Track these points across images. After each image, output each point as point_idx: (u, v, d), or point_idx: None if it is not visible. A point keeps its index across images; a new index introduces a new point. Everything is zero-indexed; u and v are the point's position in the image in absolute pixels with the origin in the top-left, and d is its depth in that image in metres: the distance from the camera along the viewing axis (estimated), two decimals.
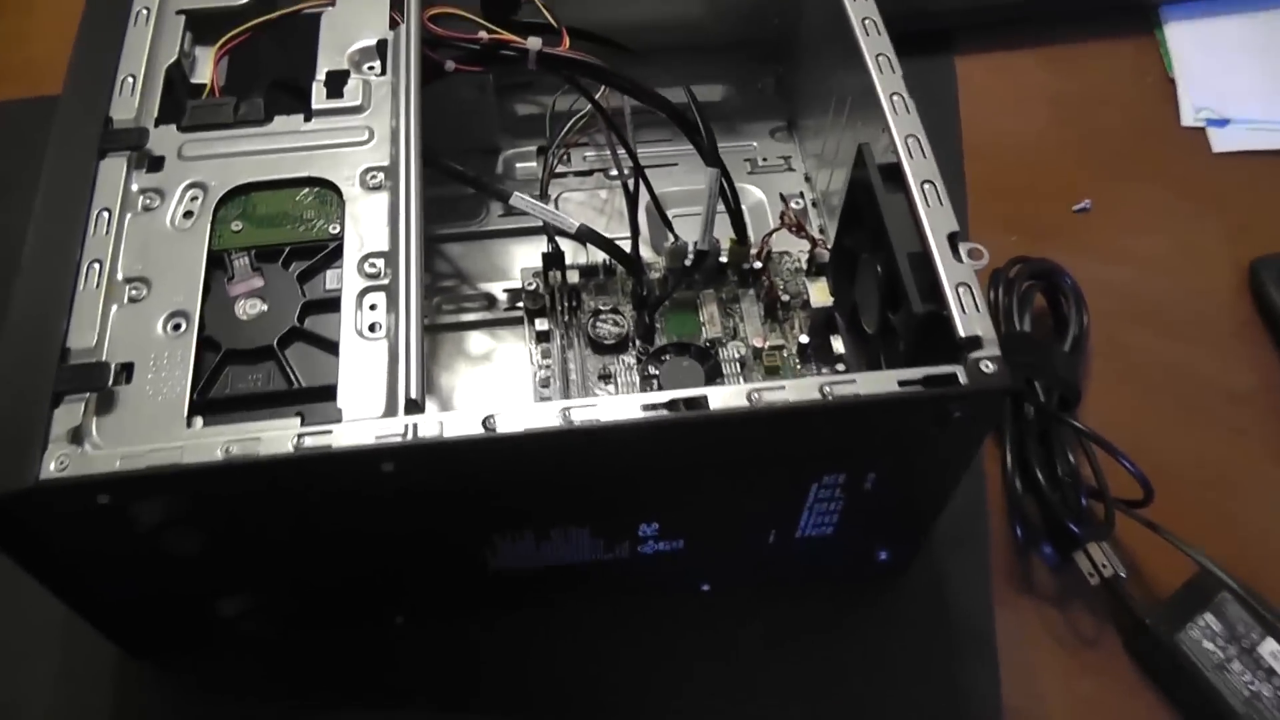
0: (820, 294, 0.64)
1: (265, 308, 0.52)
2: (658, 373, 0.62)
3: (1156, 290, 0.73)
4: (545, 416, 0.46)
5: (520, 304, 0.66)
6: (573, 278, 0.66)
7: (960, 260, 0.51)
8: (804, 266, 0.67)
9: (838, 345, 0.64)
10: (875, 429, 0.50)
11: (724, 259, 0.67)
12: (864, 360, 0.60)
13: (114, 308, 0.50)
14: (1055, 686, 0.59)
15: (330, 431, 0.46)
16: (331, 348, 0.50)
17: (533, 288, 0.66)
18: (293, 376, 0.50)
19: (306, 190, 0.55)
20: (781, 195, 0.72)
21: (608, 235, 0.67)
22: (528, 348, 0.65)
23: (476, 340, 0.67)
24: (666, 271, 0.67)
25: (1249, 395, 0.69)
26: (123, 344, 0.49)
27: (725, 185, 0.64)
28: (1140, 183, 0.79)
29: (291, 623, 0.60)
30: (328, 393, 0.48)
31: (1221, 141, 0.82)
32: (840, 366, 0.63)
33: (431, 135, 0.56)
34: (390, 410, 0.47)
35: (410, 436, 0.45)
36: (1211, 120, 0.83)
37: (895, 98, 0.56)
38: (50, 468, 0.45)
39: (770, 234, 0.67)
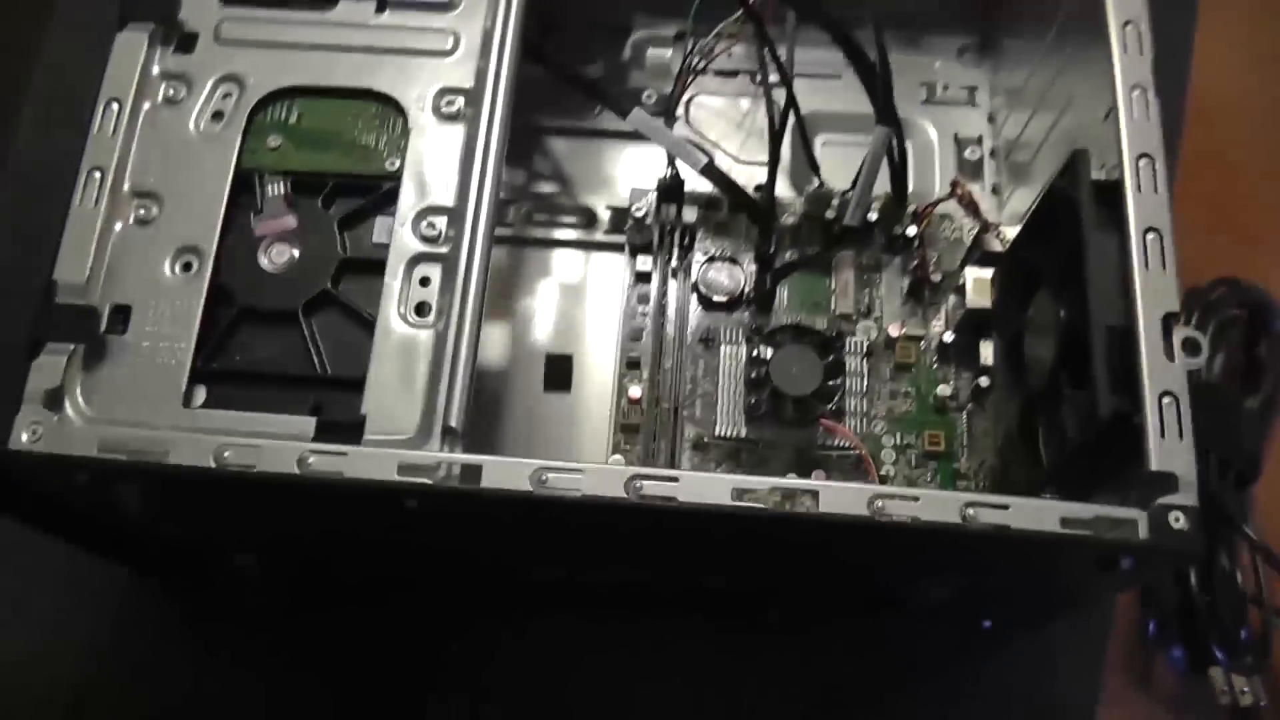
0: (980, 291, 0.52)
1: (296, 255, 0.42)
2: (766, 361, 0.51)
3: None
4: (610, 484, 0.37)
5: (624, 231, 0.55)
6: (689, 215, 0.54)
7: (1172, 357, 0.39)
8: (966, 242, 0.55)
9: (986, 353, 0.52)
10: (1022, 561, 0.40)
11: (873, 216, 0.54)
12: (1015, 402, 0.48)
13: (117, 226, 0.42)
14: None
15: (345, 454, 0.37)
16: (367, 326, 0.40)
17: (641, 214, 0.54)
18: (317, 358, 0.41)
19: (366, 106, 0.44)
20: (957, 138, 0.59)
21: (744, 158, 0.57)
22: (623, 285, 0.54)
23: (567, 261, 0.57)
24: (802, 219, 0.55)
25: None
26: (121, 280, 0.41)
27: (895, 144, 0.51)
28: None
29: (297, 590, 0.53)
30: (354, 386, 0.40)
31: None
32: (984, 381, 0.52)
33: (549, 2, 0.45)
34: (425, 429, 0.39)
35: (442, 476, 0.37)
36: None
37: (1136, 92, 0.43)
38: (22, 437, 0.38)
39: (932, 205, 0.54)
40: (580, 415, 0.53)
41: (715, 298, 0.54)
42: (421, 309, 0.40)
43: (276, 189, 0.43)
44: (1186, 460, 0.38)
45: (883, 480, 0.50)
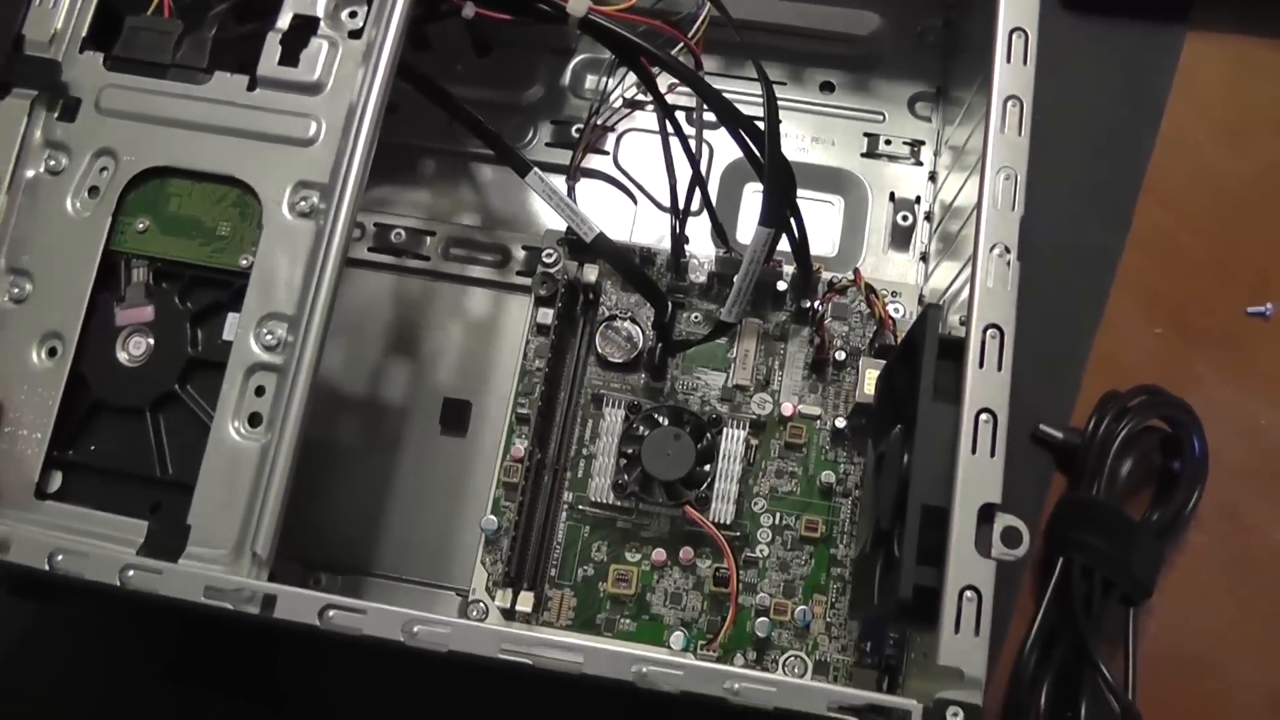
0: (872, 384, 0.51)
1: (151, 346, 0.44)
2: (641, 438, 0.51)
3: None
4: (389, 625, 0.39)
5: (531, 275, 0.55)
6: (590, 275, 0.54)
7: (987, 552, 0.38)
8: (869, 334, 0.53)
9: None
10: None
11: (782, 286, 0.53)
12: (868, 523, 0.48)
13: None
14: None
15: (160, 573, 0.39)
16: (206, 430, 0.42)
17: (550, 261, 0.54)
18: (159, 458, 0.43)
19: (228, 192, 0.44)
20: (893, 196, 0.56)
21: (668, 203, 0.55)
22: (526, 337, 0.55)
23: (478, 301, 0.57)
24: (711, 278, 0.54)
25: None
26: None
27: (795, 225, 0.49)
28: None
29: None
30: (188, 491, 0.41)
31: None
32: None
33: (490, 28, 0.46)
34: (239, 547, 0.40)
35: (242, 601, 0.39)
36: None
37: (996, 250, 0.41)
38: None
39: (833, 290, 0.52)
40: (472, 461, 0.54)
41: (612, 358, 0.54)
42: (254, 419, 0.42)
43: (139, 275, 0.44)
44: (977, 658, 0.38)
45: (751, 562, 0.51)
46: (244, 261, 0.43)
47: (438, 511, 0.54)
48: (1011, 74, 0.42)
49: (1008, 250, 0.40)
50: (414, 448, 0.55)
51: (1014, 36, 0.43)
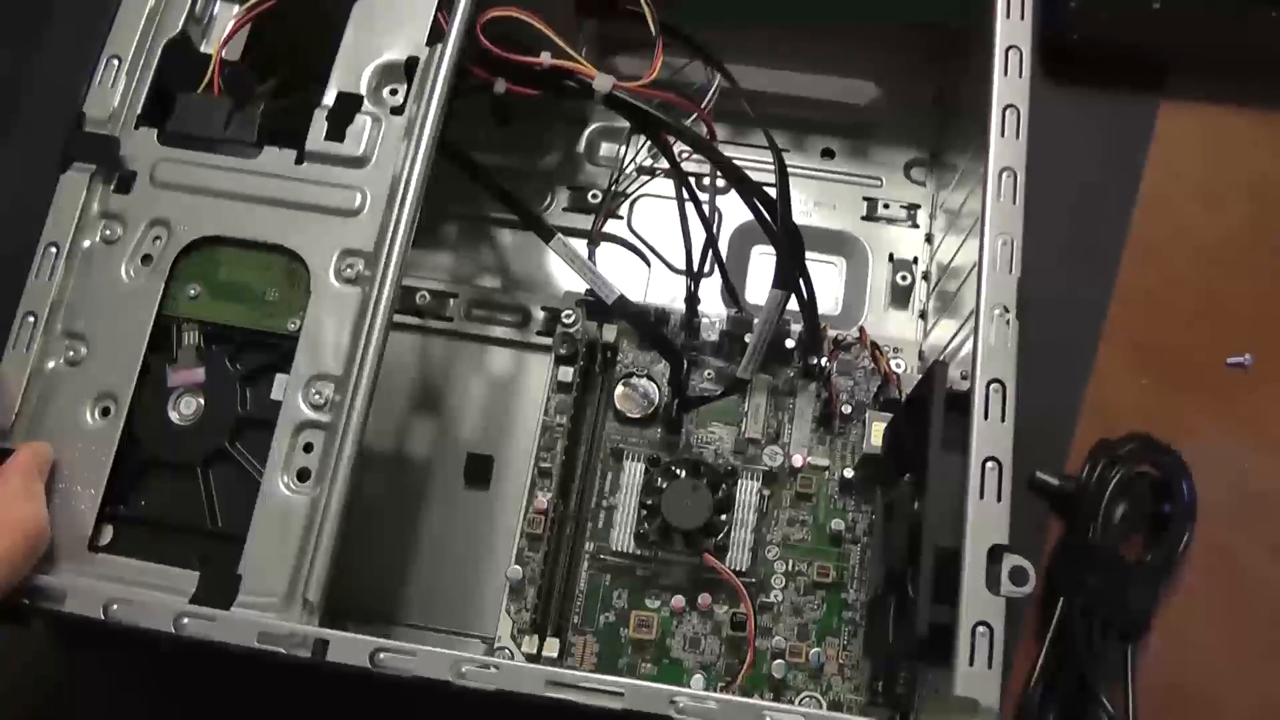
0: (878, 436, 0.54)
1: (201, 406, 0.46)
2: (661, 490, 0.54)
3: None
4: (438, 666, 0.41)
5: (552, 335, 0.58)
6: (609, 335, 0.57)
7: (996, 590, 0.41)
8: (874, 388, 0.56)
9: None
10: None
11: (790, 343, 0.56)
12: (881, 568, 0.50)
13: (49, 365, 0.46)
14: None
15: (214, 620, 0.41)
16: (256, 486, 0.44)
17: (570, 321, 0.57)
18: (211, 511, 0.45)
19: (278, 260, 0.47)
20: (892, 257, 0.60)
21: (681, 266, 0.58)
22: (547, 393, 0.57)
23: (499, 359, 0.60)
24: (723, 337, 0.57)
25: None
26: (43, 421, 0.45)
27: (804, 285, 0.52)
28: None
29: None
30: (238, 543, 0.44)
31: None
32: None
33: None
34: (290, 595, 0.42)
35: (295, 646, 0.41)
36: None
37: (997, 311, 0.44)
38: None
39: (840, 347, 0.56)
40: (496, 514, 0.57)
41: (630, 414, 0.56)
42: (303, 475, 0.44)
43: (191, 339, 0.46)
44: (992, 689, 0.40)
45: (766, 607, 0.53)
46: (292, 325, 0.46)
47: (462, 562, 0.56)
48: (1006, 147, 0.46)
49: (1007, 310, 0.44)
50: (439, 501, 0.57)
51: (1007, 113, 0.46)
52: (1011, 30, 0.47)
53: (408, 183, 0.46)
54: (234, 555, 0.43)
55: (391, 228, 0.46)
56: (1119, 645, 0.53)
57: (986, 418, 0.42)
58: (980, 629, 0.40)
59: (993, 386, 0.43)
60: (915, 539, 0.44)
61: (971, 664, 0.40)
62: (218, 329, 0.47)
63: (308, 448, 0.44)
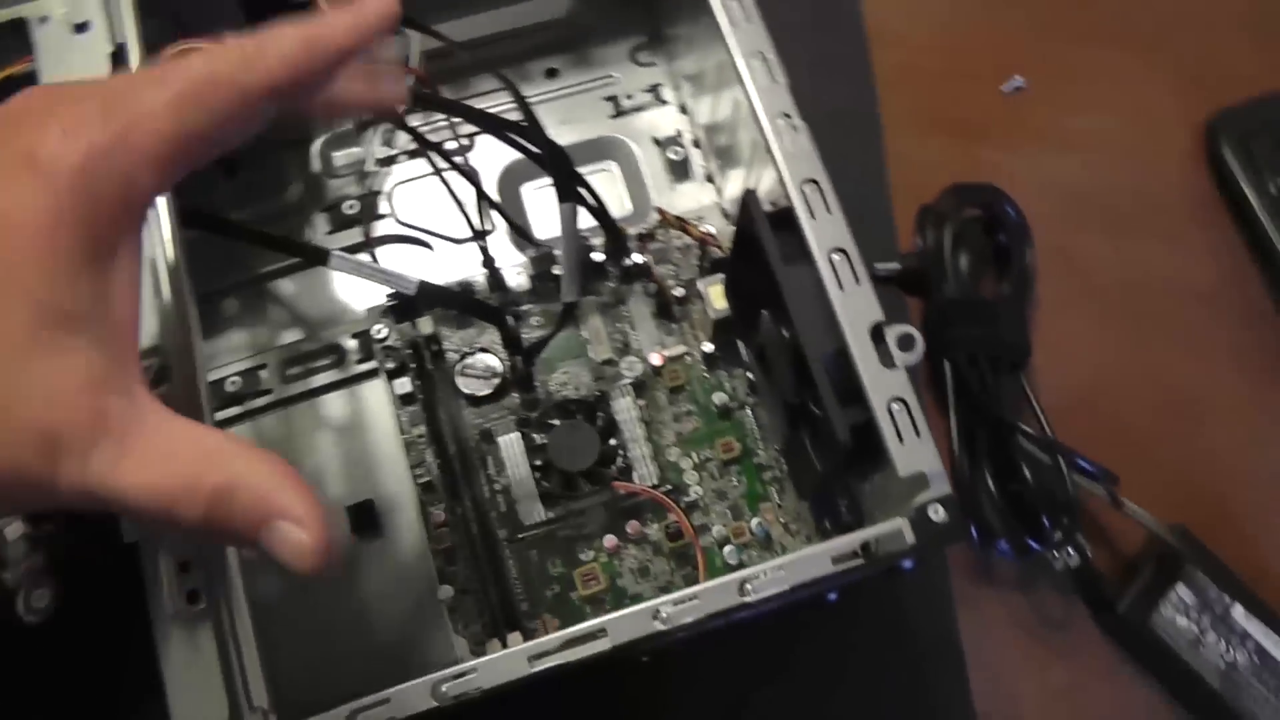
0: (720, 299, 0.53)
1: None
2: (544, 446, 0.52)
3: (1105, 179, 0.62)
4: (418, 698, 0.39)
5: (373, 357, 0.55)
6: (426, 327, 0.54)
7: (892, 363, 0.41)
8: (695, 261, 0.56)
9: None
10: (816, 596, 0.42)
11: (599, 257, 0.55)
12: (778, 410, 0.50)
13: None
14: (1028, 682, 0.56)
15: None
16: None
17: (383, 335, 0.54)
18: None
19: None
20: (656, 141, 0.59)
21: (461, 235, 0.56)
22: (394, 412, 0.55)
23: (335, 406, 0.56)
24: (533, 280, 0.56)
25: (1212, 292, 0.61)
26: None
27: (589, 192, 0.51)
28: (1079, 45, 0.66)
29: None
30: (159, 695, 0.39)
31: None
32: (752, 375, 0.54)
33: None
34: (236, 714, 0.39)
35: None
36: None
37: (780, 120, 0.44)
38: None
39: (647, 237, 0.55)
40: (401, 553, 0.54)
41: (480, 393, 0.54)
42: (193, 597, 0.39)
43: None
44: (929, 455, 0.41)
45: (692, 506, 0.52)
46: None
47: (392, 612, 0.53)
48: None
49: (789, 115, 0.44)
50: (342, 569, 0.54)
51: None
52: None
53: (168, 259, 0.43)
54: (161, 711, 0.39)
55: (173, 313, 0.42)
56: (1013, 377, 0.54)
57: (814, 216, 0.43)
58: (895, 405, 0.41)
59: (807, 187, 0.43)
60: (799, 362, 0.44)
61: (901, 440, 0.41)
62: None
63: (184, 566, 0.40)
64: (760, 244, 0.43)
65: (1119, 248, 0.61)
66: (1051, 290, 0.60)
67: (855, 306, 0.42)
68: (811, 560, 0.40)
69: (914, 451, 0.40)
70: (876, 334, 0.41)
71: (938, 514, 0.40)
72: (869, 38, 0.64)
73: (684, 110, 0.60)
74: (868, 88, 0.63)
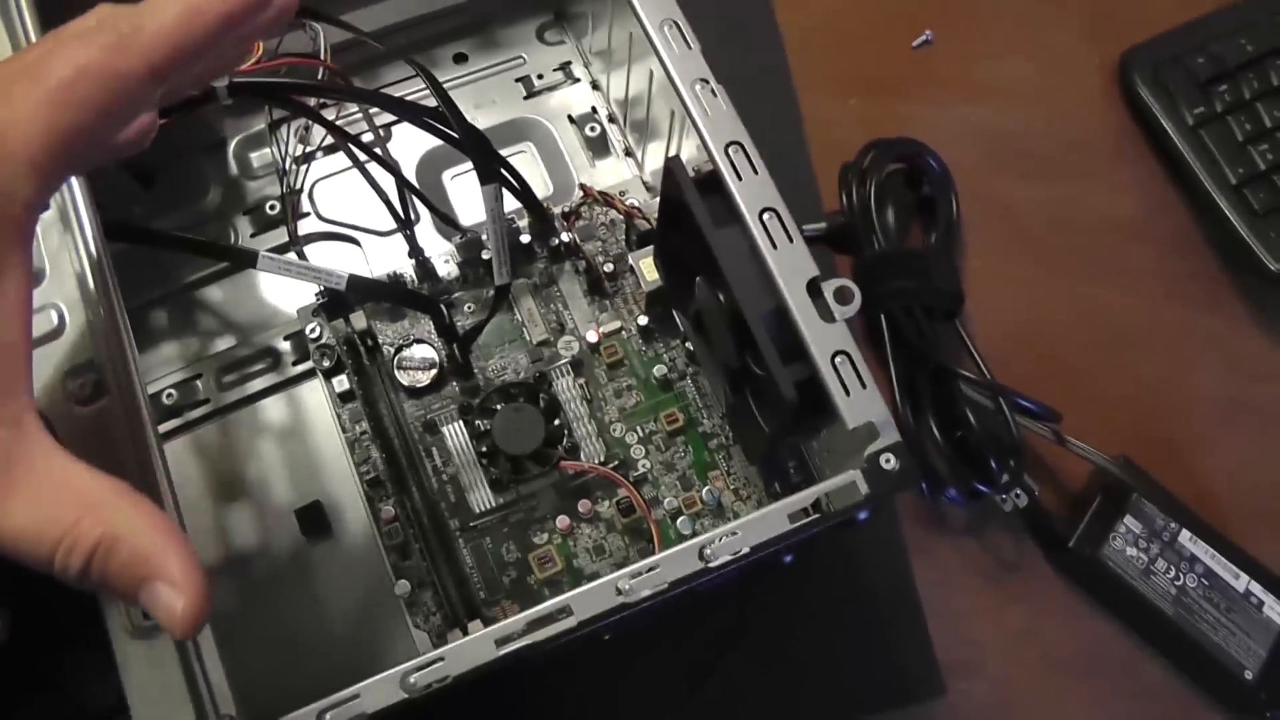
0: (651, 271, 0.53)
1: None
2: (488, 432, 0.52)
3: (1023, 124, 0.63)
4: (387, 692, 0.38)
5: (308, 357, 0.54)
6: (359, 322, 0.54)
7: (831, 317, 0.41)
8: (623, 235, 0.56)
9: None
10: (775, 555, 0.42)
11: (526, 238, 0.55)
12: (720, 375, 0.50)
13: None
14: (986, 626, 0.57)
15: None
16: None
17: (316, 335, 0.53)
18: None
19: None
20: (572, 119, 0.59)
21: (386, 228, 0.56)
22: (334, 411, 0.54)
23: (274, 410, 0.55)
24: (463, 267, 0.55)
25: (1139, 226, 0.62)
26: None
27: (511, 175, 0.51)
28: None
29: None
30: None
31: None
32: (690, 345, 0.54)
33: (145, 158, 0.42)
34: None
35: None
36: None
37: (699, 86, 0.44)
38: None
39: (572, 214, 0.55)
40: (353, 551, 0.53)
41: (419, 384, 0.54)
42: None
43: None
44: (876, 405, 0.41)
45: (641, 479, 0.52)
46: None
47: (349, 612, 0.52)
48: None
49: (706, 81, 0.44)
50: (294, 570, 0.53)
51: None
52: None
53: (90, 272, 0.41)
54: None
55: (104, 326, 0.41)
56: (949, 325, 0.55)
57: (741, 178, 0.42)
58: (838, 358, 0.41)
59: (732, 149, 0.43)
60: (738, 325, 0.44)
61: (848, 393, 0.41)
62: None
63: None
64: (689, 210, 0.43)
65: (1043, 189, 0.62)
66: (980, 236, 0.61)
67: (790, 263, 0.42)
68: (768, 520, 0.40)
69: (861, 403, 0.41)
70: (813, 289, 0.41)
71: (889, 462, 0.40)
72: (774, 2, 0.64)
73: (596, 87, 0.59)
74: (778, 52, 0.63)
